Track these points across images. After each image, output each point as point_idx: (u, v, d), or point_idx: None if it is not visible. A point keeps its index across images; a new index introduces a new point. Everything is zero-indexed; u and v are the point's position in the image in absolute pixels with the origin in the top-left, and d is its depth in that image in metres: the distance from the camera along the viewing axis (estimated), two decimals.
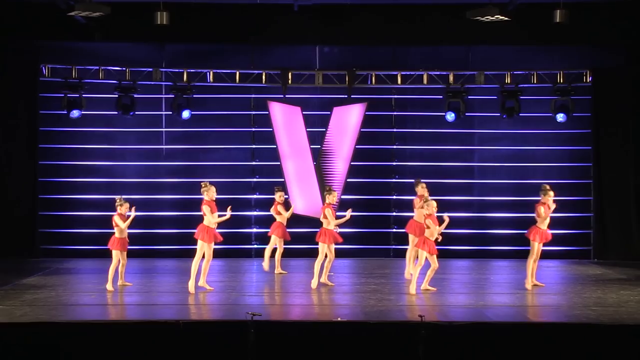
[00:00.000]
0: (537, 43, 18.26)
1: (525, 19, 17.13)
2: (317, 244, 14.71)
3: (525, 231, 14.82)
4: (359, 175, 19.16)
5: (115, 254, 14.41)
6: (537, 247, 14.53)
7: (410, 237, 15.36)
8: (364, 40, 18.43)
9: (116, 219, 14.41)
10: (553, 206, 14.61)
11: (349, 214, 14.67)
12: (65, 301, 13.36)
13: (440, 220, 14.09)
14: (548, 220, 14.55)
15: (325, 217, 14.61)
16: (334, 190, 15.14)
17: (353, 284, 15.67)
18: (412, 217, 15.53)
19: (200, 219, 14.17)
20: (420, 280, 14.19)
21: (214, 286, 14.50)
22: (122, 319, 12.35)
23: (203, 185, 14.17)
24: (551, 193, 14.59)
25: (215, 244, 14.17)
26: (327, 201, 14.74)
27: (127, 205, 14.52)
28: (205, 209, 13.99)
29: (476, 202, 19.25)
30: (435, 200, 14.24)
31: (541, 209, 14.48)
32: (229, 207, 14.10)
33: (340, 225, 14.79)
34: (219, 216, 14.10)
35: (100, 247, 18.04)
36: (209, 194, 14.07)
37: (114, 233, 14.51)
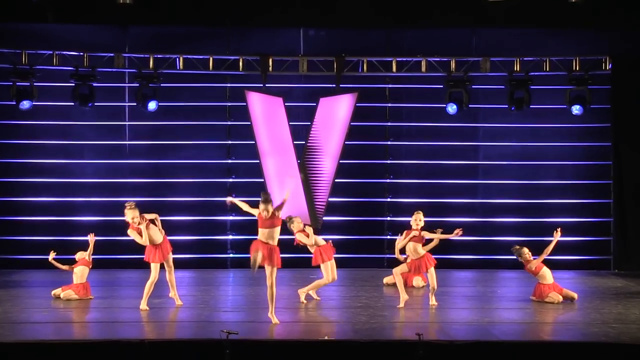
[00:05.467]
0: (549, 26, 18.34)
1: None
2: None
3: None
4: (349, 175, 19.19)
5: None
6: (558, 298, 14.66)
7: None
8: (355, 22, 18.44)
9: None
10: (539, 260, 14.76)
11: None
12: (14, 318, 13.26)
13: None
14: (550, 276, 14.72)
15: (303, 244, 14.61)
16: (293, 216, 14.86)
17: (342, 298, 15.64)
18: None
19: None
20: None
21: (185, 300, 14.45)
22: (79, 339, 12.23)
23: (128, 206, 13.89)
24: (525, 250, 14.75)
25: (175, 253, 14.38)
26: (294, 230, 14.62)
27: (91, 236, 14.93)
28: (132, 234, 13.98)
29: (480, 206, 19.35)
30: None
31: (531, 266, 14.69)
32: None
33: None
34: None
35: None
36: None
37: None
